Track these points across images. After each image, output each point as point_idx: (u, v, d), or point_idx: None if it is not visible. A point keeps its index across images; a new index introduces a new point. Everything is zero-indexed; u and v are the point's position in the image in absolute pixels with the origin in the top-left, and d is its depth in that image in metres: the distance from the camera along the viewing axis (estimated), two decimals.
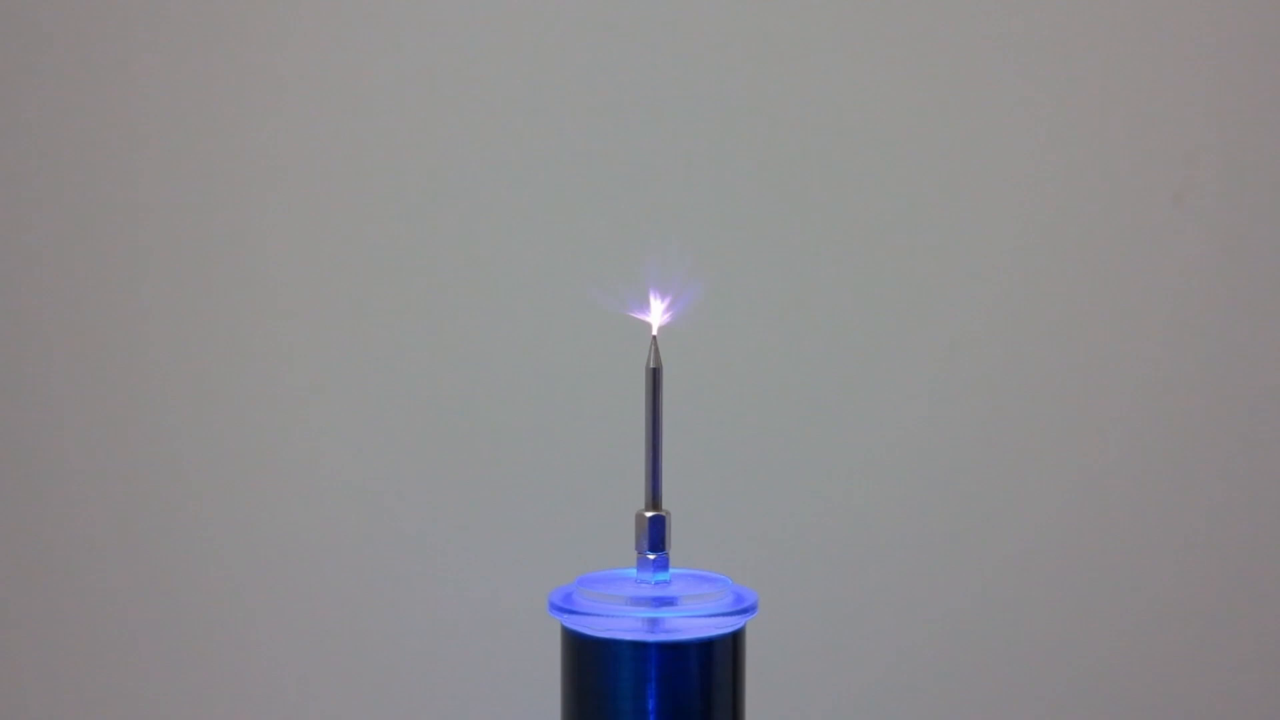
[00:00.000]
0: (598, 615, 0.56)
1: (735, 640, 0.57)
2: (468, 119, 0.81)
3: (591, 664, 0.56)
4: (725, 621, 0.57)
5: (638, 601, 0.56)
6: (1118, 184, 0.84)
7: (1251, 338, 0.84)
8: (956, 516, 0.83)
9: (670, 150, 0.82)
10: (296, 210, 0.80)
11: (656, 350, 0.59)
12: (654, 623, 0.56)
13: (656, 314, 0.60)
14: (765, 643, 0.73)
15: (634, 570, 0.59)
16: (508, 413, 0.81)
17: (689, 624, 0.56)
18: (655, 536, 0.58)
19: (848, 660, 0.83)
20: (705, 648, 0.56)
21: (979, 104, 0.83)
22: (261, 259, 0.80)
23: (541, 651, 0.74)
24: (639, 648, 0.56)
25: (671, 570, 0.59)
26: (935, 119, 0.83)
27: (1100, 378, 0.84)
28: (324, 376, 0.81)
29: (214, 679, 0.81)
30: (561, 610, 0.57)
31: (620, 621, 0.56)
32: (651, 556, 0.58)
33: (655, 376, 0.59)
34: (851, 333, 0.83)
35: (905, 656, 0.84)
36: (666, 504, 0.59)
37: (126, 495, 0.81)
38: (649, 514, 0.58)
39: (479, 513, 0.81)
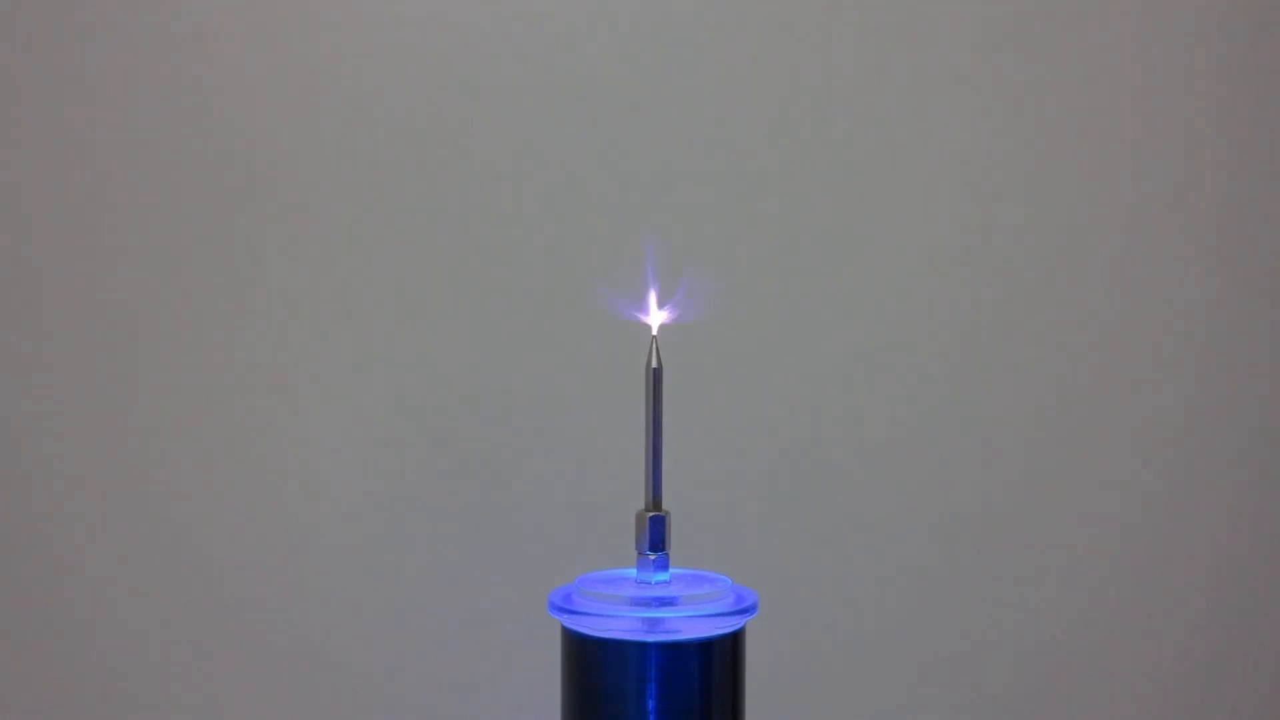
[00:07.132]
0: (598, 615, 0.56)
1: (735, 640, 0.57)
2: (468, 118, 0.81)
3: (591, 664, 0.56)
4: (725, 621, 0.57)
5: (638, 602, 0.56)
6: (1114, 184, 0.84)
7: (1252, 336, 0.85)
8: (957, 516, 0.83)
9: (671, 150, 0.82)
10: (296, 211, 0.80)
11: (656, 350, 0.59)
12: (654, 623, 0.56)
13: (656, 314, 0.61)
14: (765, 643, 0.73)
15: (634, 570, 0.59)
16: (508, 413, 0.81)
17: (689, 624, 0.56)
18: (655, 536, 0.58)
19: (847, 660, 0.83)
20: (705, 648, 0.56)
21: (979, 105, 0.83)
22: (260, 259, 0.80)
23: (541, 651, 0.74)
24: (639, 648, 0.56)
25: (671, 570, 0.59)
26: (935, 119, 0.83)
27: (1097, 378, 0.84)
28: (325, 377, 0.81)
29: (213, 680, 0.81)
30: (561, 610, 0.57)
31: (620, 621, 0.56)
32: (651, 556, 0.58)
33: (655, 376, 0.59)
34: (851, 333, 0.83)
35: (905, 656, 0.84)
36: (666, 504, 0.59)
37: (125, 495, 0.81)
38: (649, 514, 0.58)
39: (480, 513, 0.81)
